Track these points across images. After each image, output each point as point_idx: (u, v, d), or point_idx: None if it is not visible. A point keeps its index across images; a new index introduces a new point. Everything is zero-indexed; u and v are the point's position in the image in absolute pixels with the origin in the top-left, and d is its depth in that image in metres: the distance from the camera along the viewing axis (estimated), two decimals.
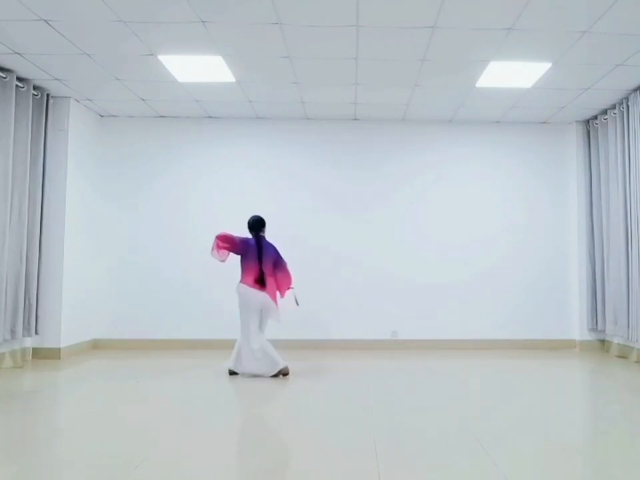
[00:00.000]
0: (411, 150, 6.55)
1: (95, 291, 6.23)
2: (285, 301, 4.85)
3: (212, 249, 4.74)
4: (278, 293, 4.82)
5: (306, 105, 6.00)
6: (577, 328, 6.35)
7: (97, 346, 6.25)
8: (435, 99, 5.79)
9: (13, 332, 5.04)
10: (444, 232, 6.46)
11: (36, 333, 5.36)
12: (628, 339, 5.53)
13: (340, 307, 6.33)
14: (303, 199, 6.47)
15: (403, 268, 6.41)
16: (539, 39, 4.29)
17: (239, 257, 4.83)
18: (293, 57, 4.67)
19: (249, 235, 4.87)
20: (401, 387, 4.48)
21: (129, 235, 6.41)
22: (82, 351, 5.96)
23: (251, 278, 4.71)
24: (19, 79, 5.07)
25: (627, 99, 5.54)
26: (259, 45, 4.45)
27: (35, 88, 5.29)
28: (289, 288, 4.88)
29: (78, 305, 5.89)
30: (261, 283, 4.70)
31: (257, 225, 4.87)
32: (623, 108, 5.62)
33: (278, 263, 4.83)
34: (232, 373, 4.74)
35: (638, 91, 5.32)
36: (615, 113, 5.78)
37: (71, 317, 5.73)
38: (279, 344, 4.79)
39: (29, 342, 5.44)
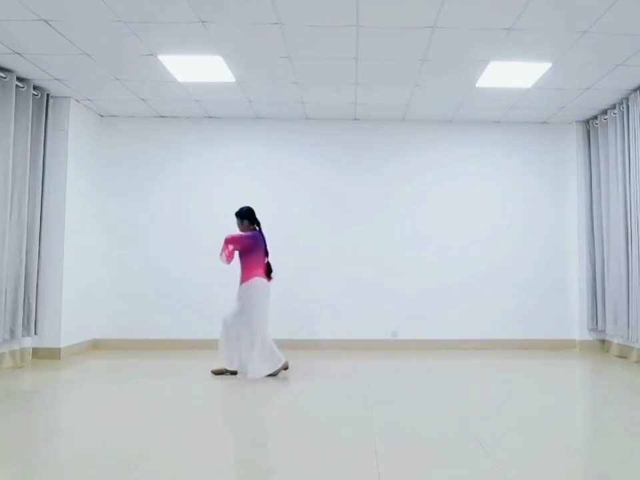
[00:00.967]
0: (411, 150, 6.55)
1: (95, 291, 6.23)
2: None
3: (221, 253, 4.64)
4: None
5: (306, 104, 6.00)
6: (577, 328, 6.35)
7: (97, 346, 6.25)
8: (435, 99, 5.79)
9: (12, 332, 5.03)
10: (444, 232, 6.46)
11: (35, 333, 5.36)
12: (628, 338, 5.54)
13: (339, 306, 6.32)
14: (302, 199, 6.47)
15: (402, 268, 6.41)
16: (539, 39, 4.29)
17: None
18: (292, 57, 4.67)
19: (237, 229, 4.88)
20: (400, 386, 4.48)
21: (129, 235, 6.41)
22: (82, 351, 5.96)
23: (262, 271, 4.74)
24: (19, 79, 5.07)
25: (627, 99, 5.54)
26: (259, 45, 4.45)
27: (34, 88, 5.29)
28: None
29: (78, 305, 5.90)
30: (269, 275, 4.81)
31: (254, 216, 4.89)
32: (622, 108, 5.62)
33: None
34: (232, 372, 4.73)
35: (638, 91, 5.32)
36: (615, 113, 5.78)
37: (71, 317, 5.73)
38: (278, 344, 4.78)
39: (29, 342, 5.44)
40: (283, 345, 4.91)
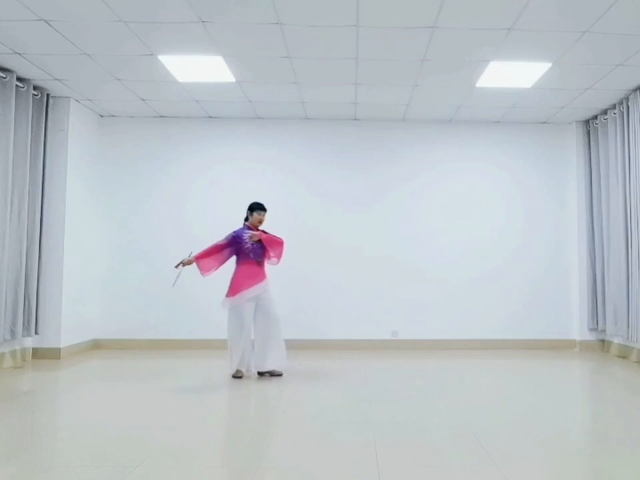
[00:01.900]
0: (411, 150, 6.55)
1: (94, 291, 6.23)
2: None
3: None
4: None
5: (306, 104, 6.00)
6: (577, 328, 6.36)
7: (97, 346, 6.25)
8: (435, 99, 5.79)
9: (13, 332, 5.04)
10: (444, 231, 6.46)
11: (36, 332, 5.36)
12: (628, 339, 5.54)
13: (340, 306, 6.33)
14: (302, 199, 6.47)
15: (402, 268, 6.41)
16: (539, 39, 4.29)
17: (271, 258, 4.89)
18: (292, 57, 4.68)
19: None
20: (400, 386, 4.48)
21: (128, 235, 6.41)
22: (82, 351, 5.96)
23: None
24: (19, 79, 5.07)
25: (627, 99, 5.54)
26: (259, 45, 4.45)
27: (34, 88, 5.29)
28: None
29: (78, 305, 5.90)
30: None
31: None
32: (622, 108, 5.62)
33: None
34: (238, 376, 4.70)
35: (638, 91, 5.32)
36: (615, 113, 5.78)
37: (71, 317, 5.73)
38: None
39: (29, 342, 5.45)
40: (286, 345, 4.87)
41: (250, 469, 2.60)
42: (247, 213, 4.90)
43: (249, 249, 4.71)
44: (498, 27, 4.10)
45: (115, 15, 3.92)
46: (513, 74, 5.02)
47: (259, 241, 4.74)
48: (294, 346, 5.73)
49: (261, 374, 4.71)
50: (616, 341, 5.96)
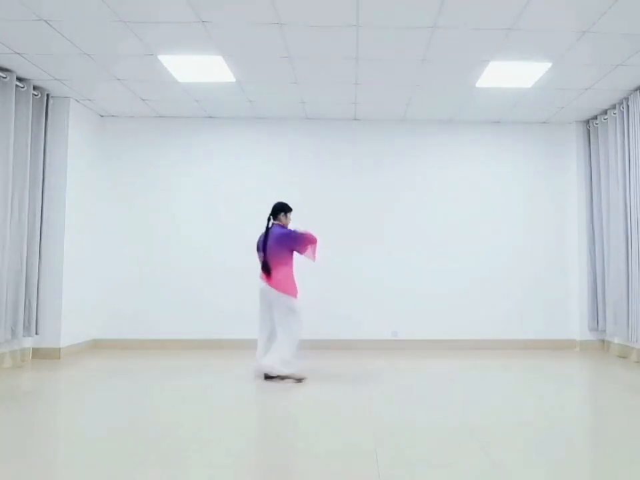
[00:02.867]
0: (410, 150, 6.55)
1: (94, 290, 6.23)
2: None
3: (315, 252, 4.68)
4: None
5: (306, 104, 6.00)
6: (577, 328, 6.36)
7: (97, 346, 6.25)
8: (435, 99, 5.79)
9: (13, 332, 5.04)
10: (443, 231, 6.46)
11: (36, 332, 5.36)
12: (628, 339, 5.54)
13: (340, 306, 6.33)
14: (302, 199, 6.45)
15: (402, 268, 6.41)
16: (539, 39, 4.29)
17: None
18: (293, 57, 4.68)
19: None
20: (400, 386, 4.47)
21: (128, 235, 6.41)
22: (82, 351, 5.96)
23: (261, 269, 4.64)
24: (19, 79, 5.07)
25: (627, 99, 5.54)
26: (259, 45, 4.45)
27: (34, 88, 5.29)
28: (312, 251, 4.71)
29: (78, 305, 5.90)
30: (266, 272, 4.56)
31: (271, 212, 4.74)
32: (622, 108, 5.62)
33: (298, 245, 4.62)
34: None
35: (638, 91, 5.32)
36: (615, 113, 5.78)
37: (71, 317, 5.73)
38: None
39: (29, 342, 5.44)
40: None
41: (249, 469, 2.59)
42: (280, 214, 4.71)
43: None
44: (498, 27, 4.10)
45: (115, 15, 3.92)
46: (512, 74, 5.02)
47: None
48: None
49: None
50: (616, 340, 5.96)
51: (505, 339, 6.32)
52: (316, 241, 4.68)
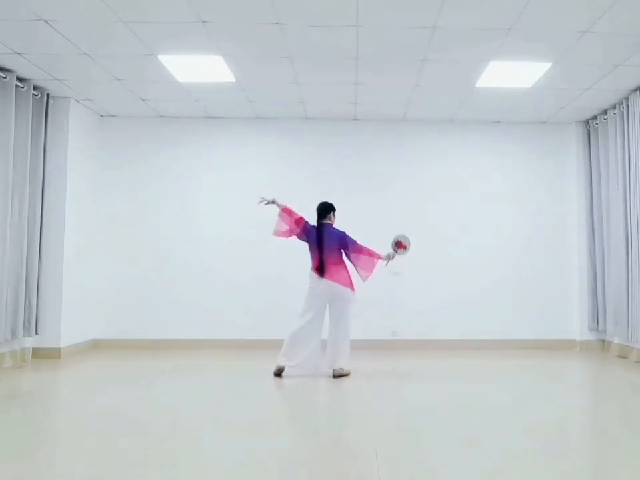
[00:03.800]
0: (410, 150, 6.55)
1: (94, 290, 6.23)
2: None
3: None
4: (363, 274, 4.81)
5: (306, 104, 6.00)
6: (577, 328, 6.35)
7: (97, 346, 6.25)
8: (435, 99, 5.79)
9: (13, 332, 5.03)
10: (444, 232, 6.45)
11: (36, 333, 5.36)
12: (628, 339, 5.53)
13: None
14: (302, 199, 6.43)
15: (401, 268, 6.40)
16: (539, 39, 4.29)
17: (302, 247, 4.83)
18: (292, 57, 4.67)
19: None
20: (400, 387, 4.47)
21: (129, 235, 6.40)
22: (82, 351, 5.96)
23: (314, 265, 4.72)
24: (19, 79, 5.07)
25: (627, 99, 5.54)
26: (259, 45, 4.45)
27: (34, 88, 5.29)
28: (374, 264, 4.84)
29: (78, 305, 5.89)
30: (320, 271, 4.65)
31: (319, 211, 4.88)
32: (622, 108, 5.62)
33: (352, 249, 4.78)
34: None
35: (638, 91, 5.32)
36: (615, 113, 5.78)
37: (71, 317, 5.73)
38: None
39: (29, 342, 5.43)
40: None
41: (248, 470, 2.59)
42: (330, 213, 4.90)
43: None
44: (498, 27, 4.10)
45: (115, 15, 3.92)
46: (512, 74, 5.02)
47: None
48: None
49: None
50: (616, 340, 5.95)
51: (505, 339, 6.32)
52: (380, 258, 4.85)
